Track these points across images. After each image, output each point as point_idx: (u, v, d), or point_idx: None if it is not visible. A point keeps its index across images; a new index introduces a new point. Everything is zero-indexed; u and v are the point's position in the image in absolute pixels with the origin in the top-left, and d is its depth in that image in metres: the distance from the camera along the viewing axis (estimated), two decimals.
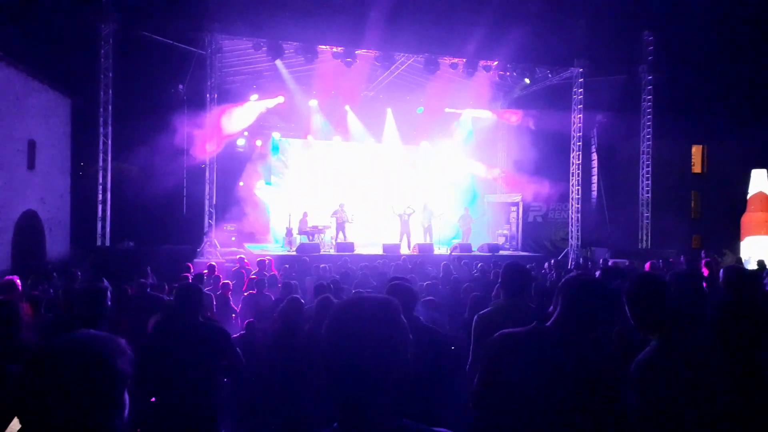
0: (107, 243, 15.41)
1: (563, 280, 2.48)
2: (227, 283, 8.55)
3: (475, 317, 3.54)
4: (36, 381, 1.31)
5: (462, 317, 5.89)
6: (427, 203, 18.92)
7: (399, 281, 3.58)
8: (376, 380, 1.35)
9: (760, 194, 17.36)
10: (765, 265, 10.38)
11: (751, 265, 11.80)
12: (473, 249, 17.66)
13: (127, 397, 1.40)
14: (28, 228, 15.75)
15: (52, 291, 7.66)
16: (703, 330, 3.32)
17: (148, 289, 7.25)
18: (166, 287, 7.01)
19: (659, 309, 2.48)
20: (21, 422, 1.33)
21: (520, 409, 2.17)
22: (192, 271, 10.26)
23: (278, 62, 17.07)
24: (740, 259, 15.38)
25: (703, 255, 11.11)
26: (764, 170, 17.60)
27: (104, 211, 15.45)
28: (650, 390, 2.29)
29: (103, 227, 15.41)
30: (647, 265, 8.92)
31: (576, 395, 2.12)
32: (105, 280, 4.81)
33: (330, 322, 1.42)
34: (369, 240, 18.62)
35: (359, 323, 1.38)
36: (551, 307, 3.40)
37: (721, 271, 4.92)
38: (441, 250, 18.14)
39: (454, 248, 17.39)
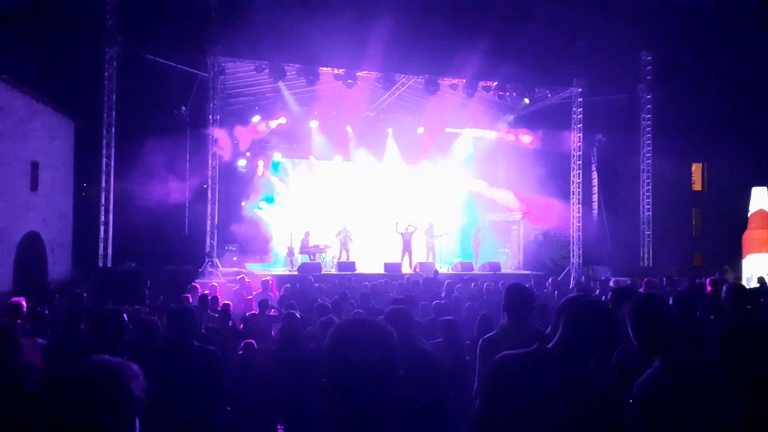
0: (109, 264, 15.41)
1: (564, 300, 2.47)
2: (228, 303, 8.55)
3: (480, 341, 3.55)
4: (54, 405, 1.32)
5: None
6: (429, 222, 18.92)
7: (398, 307, 3.60)
8: (373, 398, 1.45)
9: (761, 212, 17.35)
10: (766, 282, 10.36)
11: (753, 283, 11.76)
12: (474, 268, 17.64)
13: (138, 422, 1.42)
14: (31, 249, 15.77)
15: (48, 312, 7.65)
16: (707, 349, 3.31)
17: (143, 313, 7.25)
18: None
19: (663, 329, 2.47)
20: None
21: (522, 431, 2.16)
22: (197, 292, 10.24)
23: (280, 84, 17.24)
24: (739, 277, 15.33)
25: (715, 275, 10.95)
26: (764, 188, 17.62)
27: (106, 232, 15.47)
28: (654, 411, 2.27)
29: (105, 248, 15.42)
30: (643, 283, 8.65)
31: (578, 417, 2.11)
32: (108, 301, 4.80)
33: (330, 342, 1.52)
34: (371, 259, 18.60)
35: (356, 344, 1.48)
36: (549, 329, 3.40)
37: (724, 288, 4.92)
38: (443, 269, 18.09)
39: (455, 267, 17.38)
